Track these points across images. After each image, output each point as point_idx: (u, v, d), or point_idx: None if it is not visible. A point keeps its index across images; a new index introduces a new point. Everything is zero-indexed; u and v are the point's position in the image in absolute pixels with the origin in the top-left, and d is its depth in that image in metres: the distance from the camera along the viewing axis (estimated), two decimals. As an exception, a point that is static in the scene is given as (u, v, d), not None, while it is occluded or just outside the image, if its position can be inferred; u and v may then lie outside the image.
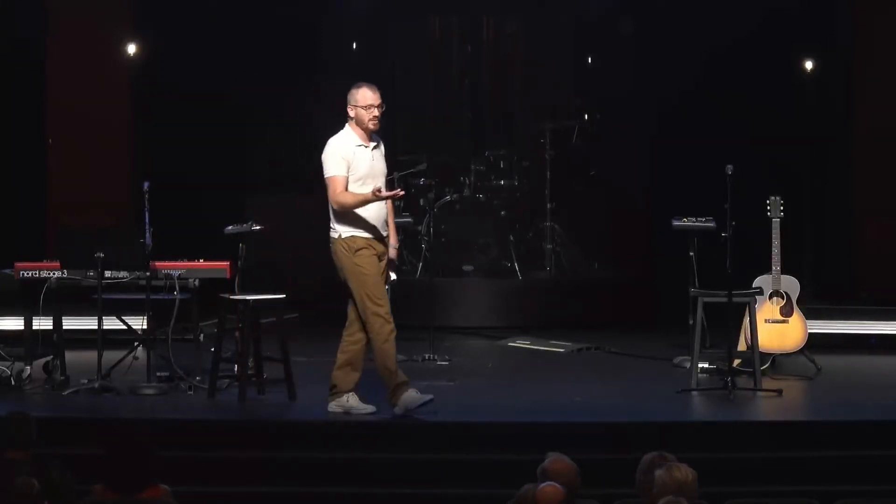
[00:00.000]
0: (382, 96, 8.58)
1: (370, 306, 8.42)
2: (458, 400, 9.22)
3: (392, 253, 8.68)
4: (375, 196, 8.40)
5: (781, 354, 10.26)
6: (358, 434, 8.41)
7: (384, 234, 8.59)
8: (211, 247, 9.79)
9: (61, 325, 9.76)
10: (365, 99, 8.50)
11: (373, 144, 8.55)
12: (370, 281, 8.45)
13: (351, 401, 8.53)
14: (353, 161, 8.47)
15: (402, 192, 8.78)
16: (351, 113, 8.55)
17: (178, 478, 6.48)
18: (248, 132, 13.46)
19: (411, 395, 8.43)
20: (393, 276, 8.75)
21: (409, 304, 10.98)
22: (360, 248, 8.46)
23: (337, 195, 8.45)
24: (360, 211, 8.45)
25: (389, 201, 8.65)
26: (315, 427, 8.56)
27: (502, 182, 13.25)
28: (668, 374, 10.14)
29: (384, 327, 8.42)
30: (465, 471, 8.06)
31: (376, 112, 8.50)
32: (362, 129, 8.52)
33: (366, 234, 8.49)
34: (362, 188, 8.45)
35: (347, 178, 8.45)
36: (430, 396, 8.45)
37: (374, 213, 8.51)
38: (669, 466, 5.67)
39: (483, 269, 12.98)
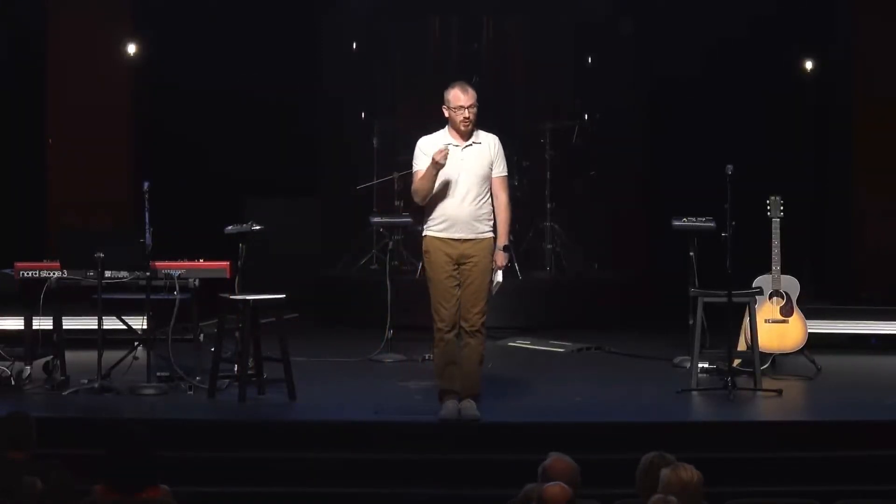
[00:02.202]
0: (476, 92, 8.39)
1: (435, 307, 8.40)
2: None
3: (497, 257, 8.41)
4: (435, 164, 8.18)
5: (781, 354, 10.26)
6: (358, 434, 8.40)
7: (470, 236, 8.36)
8: (211, 247, 9.79)
9: (61, 325, 9.75)
10: (456, 100, 8.34)
11: (466, 143, 8.36)
12: (434, 286, 8.39)
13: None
14: None
15: (445, 150, 8.25)
16: (446, 114, 8.41)
17: (178, 478, 6.48)
18: (248, 132, 13.44)
19: (450, 407, 8.35)
20: (498, 277, 8.45)
21: (410, 304, 10.96)
22: (430, 250, 8.38)
23: (412, 186, 8.40)
24: (439, 210, 8.33)
25: (503, 203, 8.44)
26: (315, 427, 8.55)
27: (502, 182, 13.22)
28: (668, 374, 10.13)
29: (438, 333, 8.40)
30: (465, 471, 8.06)
31: (466, 113, 8.30)
32: (455, 129, 8.38)
33: (441, 235, 8.36)
34: (446, 188, 8.31)
35: None
36: (477, 415, 8.33)
37: (455, 212, 8.33)
38: (676, 466, 5.66)
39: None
